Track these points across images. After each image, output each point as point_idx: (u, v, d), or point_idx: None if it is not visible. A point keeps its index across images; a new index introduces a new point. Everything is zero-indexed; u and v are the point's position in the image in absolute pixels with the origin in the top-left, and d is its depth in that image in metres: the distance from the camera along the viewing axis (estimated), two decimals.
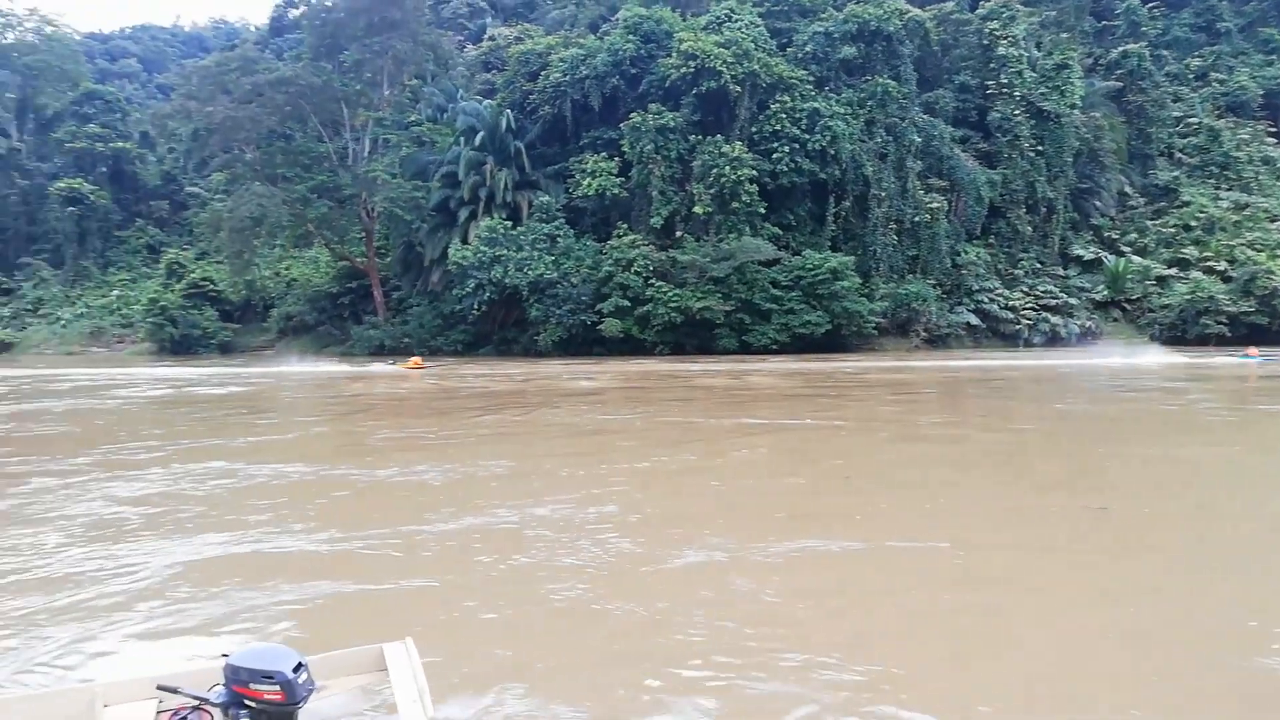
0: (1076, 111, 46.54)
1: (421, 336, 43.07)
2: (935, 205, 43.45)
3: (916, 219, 43.07)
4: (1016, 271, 45.84)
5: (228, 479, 10.43)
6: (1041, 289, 45.02)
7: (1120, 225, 49.06)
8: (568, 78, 43.18)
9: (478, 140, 43.41)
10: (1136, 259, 46.48)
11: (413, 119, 49.97)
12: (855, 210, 42.59)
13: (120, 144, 60.47)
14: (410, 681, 3.32)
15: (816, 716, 4.27)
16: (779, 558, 6.87)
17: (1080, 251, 47.45)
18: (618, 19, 46.82)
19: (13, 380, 30.03)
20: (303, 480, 10.55)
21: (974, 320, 43.73)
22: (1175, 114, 53.32)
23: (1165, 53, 56.08)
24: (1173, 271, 45.39)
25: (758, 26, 43.23)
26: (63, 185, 56.65)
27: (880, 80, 42.72)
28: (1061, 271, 46.75)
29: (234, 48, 61.45)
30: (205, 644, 5.08)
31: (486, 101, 47.32)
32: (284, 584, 6.31)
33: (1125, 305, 45.82)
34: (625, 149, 41.09)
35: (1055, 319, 43.98)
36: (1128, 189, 50.04)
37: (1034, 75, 46.32)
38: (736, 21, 42.61)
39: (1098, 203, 48.69)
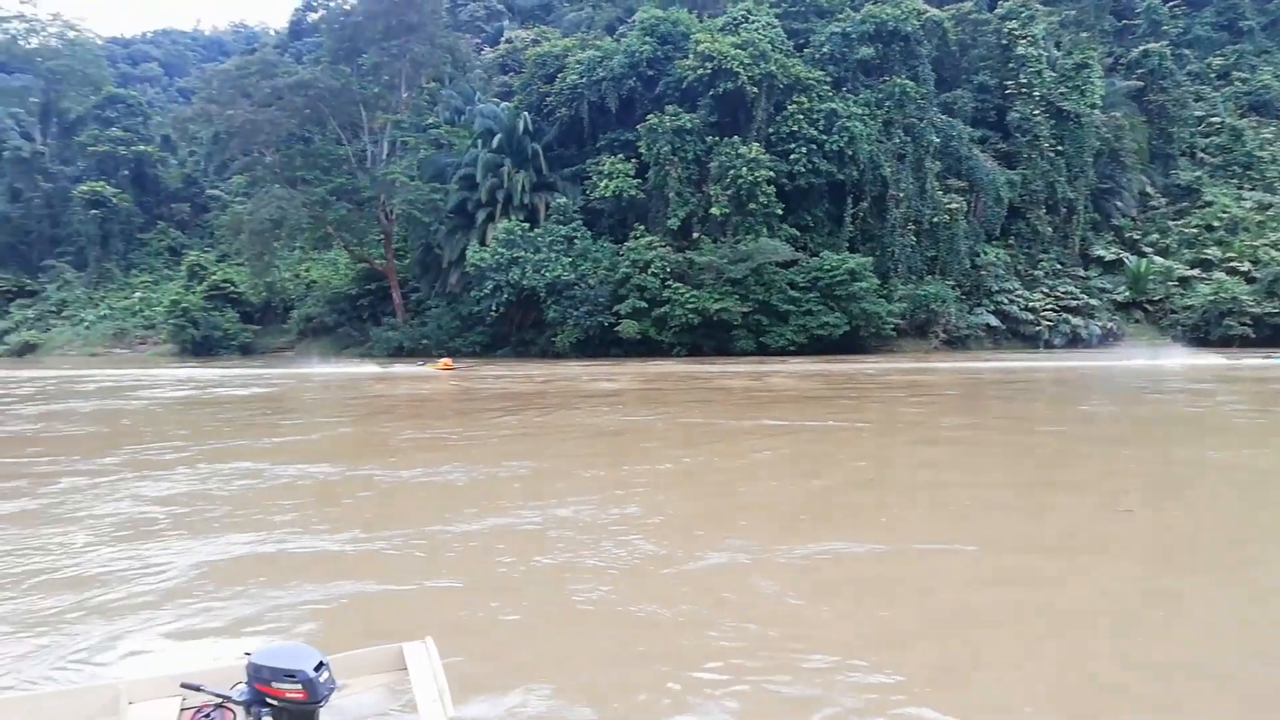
0: (1097, 111, 46.19)
1: (440, 338, 43.26)
2: (954, 206, 43.22)
3: (935, 220, 42.86)
4: (1036, 272, 45.52)
5: (253, 479, 10.52)
6: (1062, 290, 44.69)
7: (1142, 226, 48.63)
8: (585, 80, 43.27)
9: (495, 142, 43.59)
10: (1158, 260, 46.04)
11: (431, 121, 50.25)
12: (873, 211, 42.43)
13: (142, 147, 61.19)
14: (430, 681, 3.34)
15: (842, 718, 4.26)
16: (803, 559, 6.85)
17: (1101, 252, 47.07)
18: (634, 21, 46.87)
19: (39, 381, 30.40)
20: (327, 480, 10.62)
21: (993, 321, 43.46)
22: (1197, 113, 52.78)
23: (1187, 51, 55.51)
24: (1195, 272, 44.91)
25: (775, 27, 43.15)
26: (86, 188, 57.34)
27: (898, 80, 42.55)
28: (1082, 272, 46.38)
29: (254, 51, 62.01)
30: (230, 643, 5.11)
31: (504, 104, 47.49)
32: (308, 584, 6.34)
33: (1147, 306, 45.39)
34: (642, 150, 41.13)
35: (1076, 320, 43.63)
36: (1149, 189, 49.60)
37: (1053, 75, 46.00)
38: (753, 22, 42.55)
39: (1119, 203, 48.29)
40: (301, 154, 46.39)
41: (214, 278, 51.27)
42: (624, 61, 42.69)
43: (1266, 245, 44.76)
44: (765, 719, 4.32)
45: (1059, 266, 46.07)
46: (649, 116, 41.00)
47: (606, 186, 41.23)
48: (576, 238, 40.78)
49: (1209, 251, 45.83)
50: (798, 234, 41.00)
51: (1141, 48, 51.54)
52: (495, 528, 7.94)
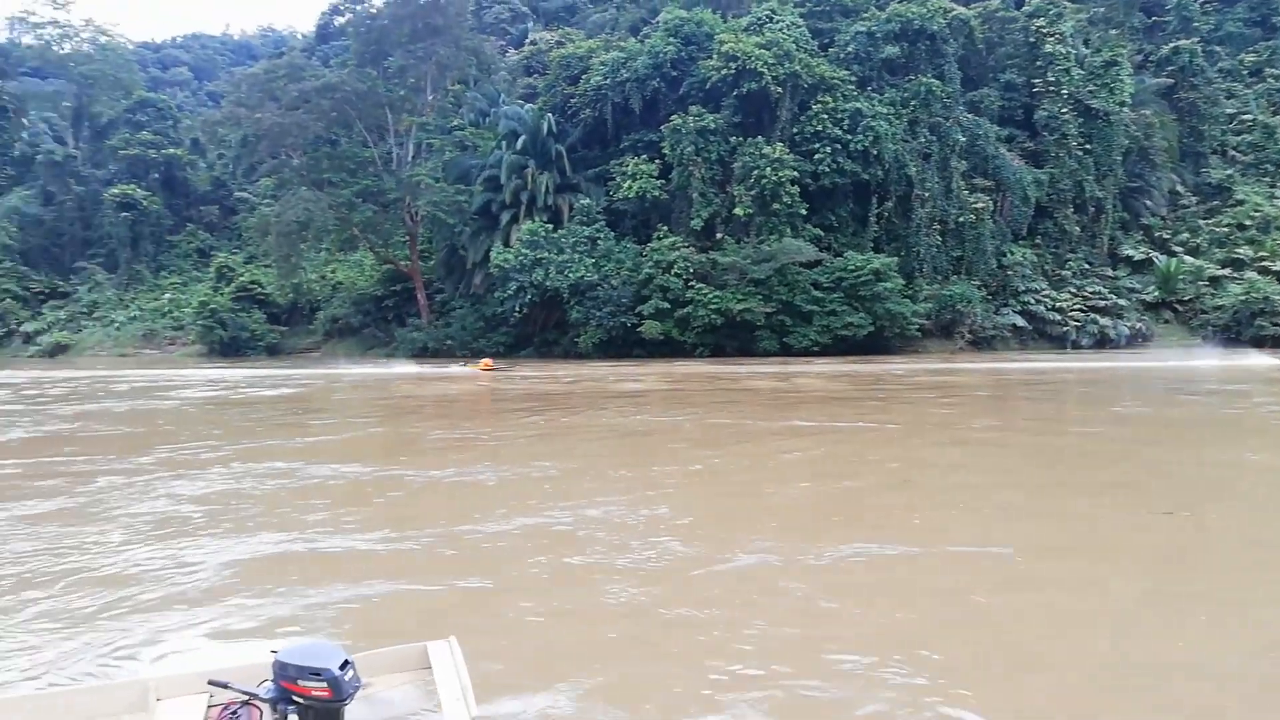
0: (1126, 109, 45.59)
1: (464, 339, 43.50)
2: (980, 205, 42.82)
3: (961, 219, 42.50)
4: (1064, 272, 45.01)
5: (286, 479, 10.62)
6: (1090, 290, 44.12)
7: (1172, 225, 47.95)
8: (608, 81, 43.32)
9: (519, 144, 43.75)
10: (1189, 259, 45.37)
11: (455, 123, 50.49)
12: (898, 211, 42.16)
13: (172, 150, 61.93)
14: (454, 680, 3.36)
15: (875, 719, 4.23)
16: (834, 561, 6.80)
17: (1130, 252, 46.46)
18: (658, 22, 46.88)
19: (73, 381, 30.85)
20: (359, 480, 10.70)
21: (1020, 322, 43.03)
22: (1228, 111, 51.91)
23: (1218, 48, 54.64)
24: (1226, 272, 44.22)
25: (799, 27, 42.99)
26: (117, 191, 58.10)
27: (924, 79, 42.24)
28: (1111, 272, 45.79)
29: (282, 55, 62.60)
30: (260, 640, 5.15)
31: (528, 105, 47.64)
32: (339, 582, 6.39)
33: (1177, 306, 44.74)
34: (666, 151, 41.12)
35: (1104, 320, 43.09)
36: (1179, 188, 48.90)
37: (1082, 73, 45.46)
38: (778, 22, 42.40)
39: (1148, 202, 47.64)
40: (328, 156, 46.80)
41: (242, 279, 51.85)
42: (648, 62, 42.70)
43: None
44: (798, 718, 4.28)
45: (1087, 266, 45.52)
46: (673, 117, 40.98)
47: (630, 187, 41.26)
48: (600, 239, 40.83)
49: (1240, 251, 45.12)
50: (822, 234, 40.81)
51: (1172, 44, 50.80)
52: (525, 527, 7.96)
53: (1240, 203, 47.88)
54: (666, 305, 38.83)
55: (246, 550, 7.32)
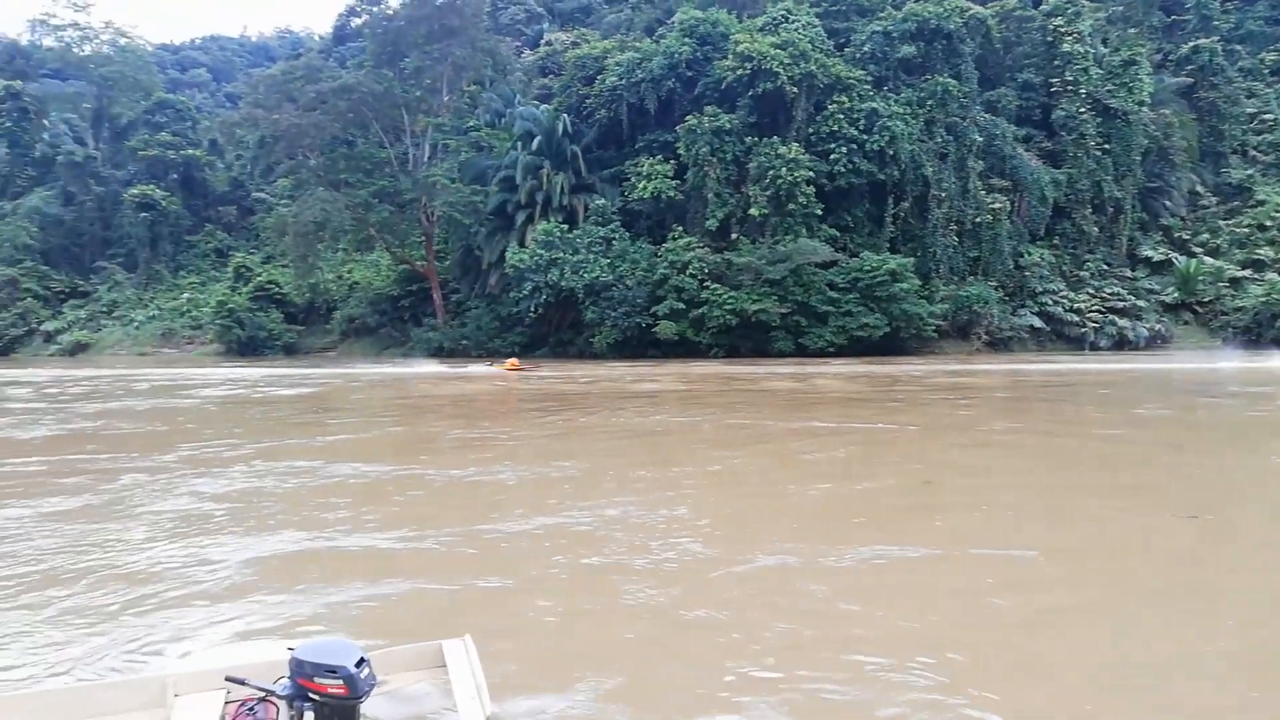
0: (1145, 109, 45.26)
1: (479, 339, 43.65)
2: (997, 206, 42.61)
3: (978, 220, 42.29)
4: (1082, 273, 44.70)
5: (307, 477, 10.67)
6: (1108, 291, 43.80)
7: (1191, 225, 47.54)
8: (624, 81, 43.36)
9: (535, 144, 43.87)
10: (1209, 260, 44.97)
11: (471, 124, 50.69)
12: (914, 211, 42.00)
13: (190, 151, 62.50)
14: (469, 678, 3.37)
15: None
16: (855, 563, 6.77)
17: (1149, 252, 46.08)
18: (673, 22, 46.90)
19: (94, 380, 31.12)
20: (379, 479, 10.73)
21: (1037, 323, 42.77)
22: (1249, 110, 51.46)
23: (1238, 47, 54.12)
24: (1247, 273, 43.84)
25: (815, 27, 42.92)
26: (136, 192, 58.70)
27: (940, 79, 42.06)
28: (1129, 273, 45.44)
29: (299, 57, 63.13)
30: (278, 638, 5.17)
31: (543, 106, 47.74)
32: (358, 580, 6.40)
33: (1196, 308, 44.36)
34: (681, 152, 41.12)
35: (1123, 322, 42.76)
36: (1199, 188, 48.48)
37: (1100, 72, 45.16)
38: (793, 22, 42.33)
39: (1167, 202, 47.24)
40: (345, 157, 47.09)
41: (259, 279, 52.23)
42: (663, 63, 42.71)
43: None
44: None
45: (1105, 267, 45.19)
46: (688, 117, 40.99)
47: (645, 188, 41.28)
48: (615, 239, 40.87)
49: (1261, 251, 44.70)
50: (837, 234, 40.71)
51: (1191, 44, 50.41)
52: (543, 527, 7.96)
53: (1261, 203, 47.42)
54: (681, 306, 38.82)
55: (268, 548, 7.36)
